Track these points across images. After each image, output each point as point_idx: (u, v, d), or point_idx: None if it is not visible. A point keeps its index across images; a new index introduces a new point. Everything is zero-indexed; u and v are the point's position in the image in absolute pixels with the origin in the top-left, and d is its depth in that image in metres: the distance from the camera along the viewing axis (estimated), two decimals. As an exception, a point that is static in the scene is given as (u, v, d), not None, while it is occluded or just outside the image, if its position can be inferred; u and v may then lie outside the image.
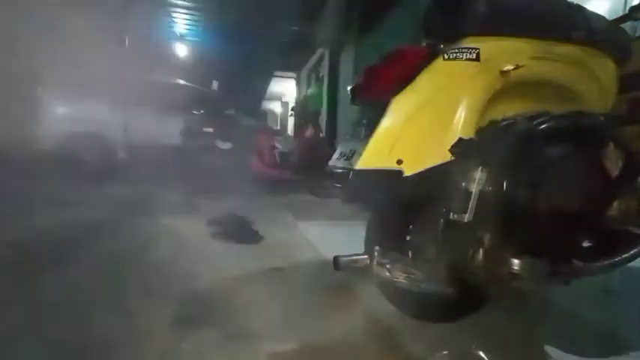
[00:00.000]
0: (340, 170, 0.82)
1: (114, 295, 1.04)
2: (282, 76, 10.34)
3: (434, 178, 0.80)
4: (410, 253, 0.87)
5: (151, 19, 5.63)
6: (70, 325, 0.85)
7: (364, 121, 0.87)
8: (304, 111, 4.16)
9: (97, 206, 2.48)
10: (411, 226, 0.88)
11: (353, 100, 0.91)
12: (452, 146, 0.79)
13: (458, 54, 0.80)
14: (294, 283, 1.20)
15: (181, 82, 4.88)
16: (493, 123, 0.80)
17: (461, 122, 0.80)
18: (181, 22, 5.72)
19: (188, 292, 1.07)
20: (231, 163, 3.44)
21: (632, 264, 0.89)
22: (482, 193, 0.72)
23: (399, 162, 0.77)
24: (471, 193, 0.72)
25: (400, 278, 0.76)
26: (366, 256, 0.75)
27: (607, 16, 0.99)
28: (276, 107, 13.50)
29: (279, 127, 11.10)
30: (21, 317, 0.87)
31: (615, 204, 0.86)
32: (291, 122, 11.21)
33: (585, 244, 0.82)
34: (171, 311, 0.94)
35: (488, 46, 0.81)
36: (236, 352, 0.76)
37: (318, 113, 3.96)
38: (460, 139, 0.79)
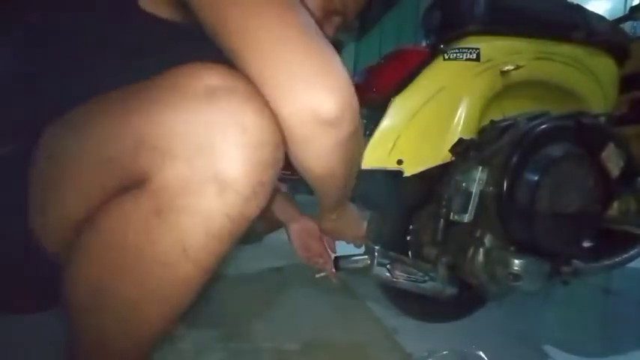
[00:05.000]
0: (340, 170, 0.82)
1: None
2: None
3: (434, 178, 0.81)
4: (410, 253, 0.87)
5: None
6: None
7: (364, 121, 0.87)
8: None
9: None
10: (411, 226, 0.88)
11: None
12: (452, 146, 0.79)
13: (458, 54, 0.80)
14: (294, 282, 1.20)
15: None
16: (493, 123, 0.81)
17: (461, 122, 0.80)
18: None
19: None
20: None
21: (632, 264, 0.90)
22: (482, 193, 0.72)
23: (399, 162, 0.77)
24: (471, 193, 0.72)
25: (400, 278, 0.76)
26: (366, 256, 0.75)
27: (607, 16, 0.99)
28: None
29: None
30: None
31: (615, 204, 0.86)
32: (291, 122, 11.17)
33: (585, 244, 0.82)
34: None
35: (488, 46, 0.81)
36: (236, 352, 0.76)
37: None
38: (461, 140, 0.79)
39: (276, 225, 0.86)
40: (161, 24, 0.41)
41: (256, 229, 0.81)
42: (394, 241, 0.86)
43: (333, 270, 0.79)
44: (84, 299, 0.35)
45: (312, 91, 0.32)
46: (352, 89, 0.35)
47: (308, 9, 0.41)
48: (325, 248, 0.82)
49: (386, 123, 0.77)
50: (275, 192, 0.44)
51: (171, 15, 0.41)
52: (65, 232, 0.36)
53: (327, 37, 0.44)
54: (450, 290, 0.79)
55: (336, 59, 0.35)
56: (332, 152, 0.37)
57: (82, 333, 0.37)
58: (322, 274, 0.83)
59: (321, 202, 0.59)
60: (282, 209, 0.81)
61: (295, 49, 0.32)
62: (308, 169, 0.41)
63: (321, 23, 0.51)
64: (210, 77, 0.32)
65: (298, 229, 0.81)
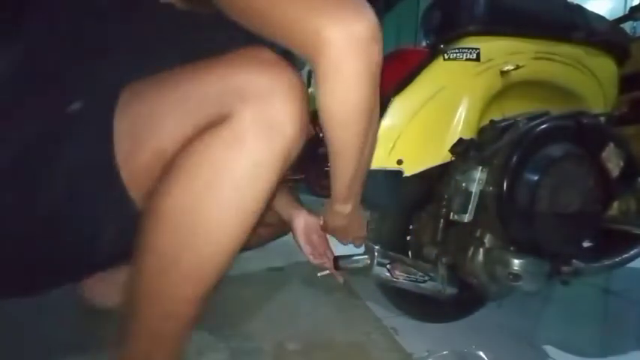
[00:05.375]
0: (340, 170, 0.82)
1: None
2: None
3: (434, 178, 0.81)
4: (410, 253, 0.87)
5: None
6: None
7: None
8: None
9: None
10: (411, 226, 0.88)
11: None
12: (452, 146, 0.79)
13: (458, 54, 0.80)
14: (295, 282, 1.20)
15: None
16: (493, 123, 0.81)
17: (461, 122, 0.80)
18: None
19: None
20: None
21: (632, 264, 0.90)
22: (482, 193, 0.72)
23: (399, 162, 0.77)
24: (471, 193, 0.72)
25: (400, 278, 0.76)
26: (366, 256, 0.75)
27: (607, 16, 0.99)
28: (276, 107, 13.46)
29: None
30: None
31: (615, 204, 0.86)
32: (291, 122, 11.17)
33: (585, 244, 0.82)
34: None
35: (488, 46, 0.81)
36: (236, 352, 0.77)
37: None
38: (460, 139, 0.79)
39: (279, 230, 0.85)
40: (177, 13, 0.46)
41: (259, 234, 0.80)
42: (394, 241, 0.86)
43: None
44: (173, 216, 0.40)
45: (348, 13, 0.39)
46: (378, 22, 0.41)
47: None
48: (328, 246, 0.81)
49: (386, 123, 0.77)
50: (278, 187, 0.47)
51: (186, 4, 0.46)
52: (156, 168, 0.42)
53: None
54: (450, 290, 0.79)
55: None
56: (360, 78, 0.42)
57: (151, 273, 0.42)
58: (325, 272, 0.82)
59: (335, 181, 0.59)
60: (285, 205, 0.80)
61: None
62: (333, 100, 0.45)
63: None
64: (268, 53, 0.43)
65: (303, 224, 0.79)
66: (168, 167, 0.41)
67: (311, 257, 0.80)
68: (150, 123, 0.42)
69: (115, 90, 0.43)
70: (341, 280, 0.83)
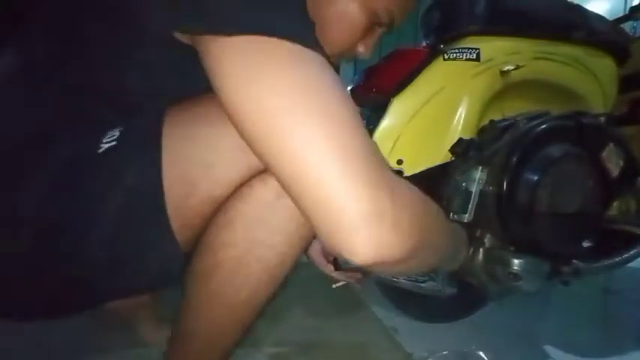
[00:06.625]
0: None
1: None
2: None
3: (434, 178, 0.80)
4: (410, 253, 0.87)
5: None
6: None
7: (364, 122, 0.87)
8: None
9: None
10: (411, 226, 0.88)
11: (353, 101, 0.91)
12: (452, 146, 0.79)
13: (458, 54, 0.80)
14: (294, 282, 1.20)
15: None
16: (493, 123, 0.81)
17: (461, 122, 0.80)
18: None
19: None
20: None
21: (632, 264, 0.89)
22: (482, 193, 0.72)
23: (399, 162, 0.77)
24: (471, 193, 0.72)
25: (400, 278, 0.76)
26: (366, 256, 0.75)
27: (607, 16, 0.99)
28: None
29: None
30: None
31: (615, 204, 0.86)
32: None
33: (585, 244, 0.82)
34: (170, 312, 0.93)
35: (488, 46, 0.81)
36: (236, 352, 0.77)
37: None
38: (460, 139, 0.79)
39: None
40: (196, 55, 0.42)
41: None
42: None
43: (359, 276, 0.76)
44: (232, 265, 0.41)
45: (351, 236, 0.30)
46: (411, 216, 0.33)
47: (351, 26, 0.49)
48: None
49: (386, 123, 0.77)
50: None
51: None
52: (207, 212, 0.41)
53: (368, 48, 0.53)
54: (450, 290, 0.79)
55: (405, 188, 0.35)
56: (391, 268, 0.36)
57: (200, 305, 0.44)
58: (340, 283, 0.80)
59: None
60: None
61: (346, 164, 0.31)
62: None
63: (364, 37, 0.52)
64: None
65: (318, 246, 0.77)
66: (223, 214, 0.41)
67: (334, 275, 0.77)
68: (204, 168, 0.39)
69: (157, 115, 0.39)
70: (359, 286, 0.81)
